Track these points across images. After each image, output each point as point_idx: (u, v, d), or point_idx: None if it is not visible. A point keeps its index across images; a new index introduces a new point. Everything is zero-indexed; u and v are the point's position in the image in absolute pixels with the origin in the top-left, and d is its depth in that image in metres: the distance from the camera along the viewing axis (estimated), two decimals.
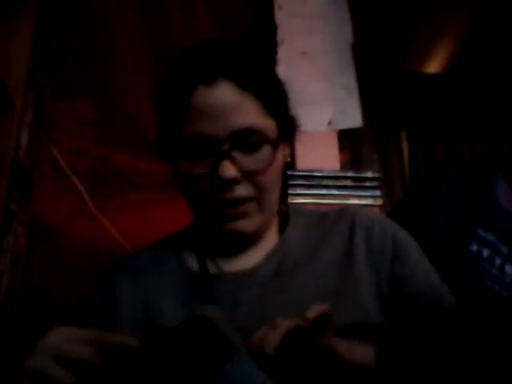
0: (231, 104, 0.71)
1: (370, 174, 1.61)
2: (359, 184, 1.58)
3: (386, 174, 1.95)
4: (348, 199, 1.56)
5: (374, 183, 1.59)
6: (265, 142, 0.73)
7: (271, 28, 1.81)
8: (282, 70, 1.73)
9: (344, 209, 0.83)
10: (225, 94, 0.72)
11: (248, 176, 0.72)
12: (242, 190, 0.72)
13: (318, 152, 1.62)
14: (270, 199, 0.76)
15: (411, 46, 1.99)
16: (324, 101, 1.71)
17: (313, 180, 1.55)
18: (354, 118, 1.69)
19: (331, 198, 1.56)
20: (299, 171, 1.57)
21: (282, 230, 0.82)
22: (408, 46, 1.99)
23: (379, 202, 1.58)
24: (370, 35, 1.95)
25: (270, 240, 0.80)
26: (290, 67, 1.74)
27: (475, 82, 2.03)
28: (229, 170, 0.70)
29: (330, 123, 1.69)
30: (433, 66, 1.98)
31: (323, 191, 1.55)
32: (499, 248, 1.12)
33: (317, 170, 1.57)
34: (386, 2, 1.91)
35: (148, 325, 0.73)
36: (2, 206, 1.42)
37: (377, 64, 2.02)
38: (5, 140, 1.47)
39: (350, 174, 1.61)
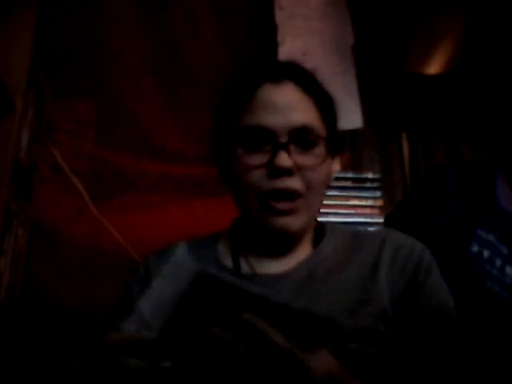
0: (293, 102, 0.78)
1: (370, 175, 1.62)
2: (360, 185, 1.59)
3: (387, 175, 1.95)
4: (348, 200, 1.56)
5: (375, 184, 1.59)
6: (318, 143, 0.78)
7: (271, 29, 1.82)
8: None
9: (378, 230, 0.89)
10: (288, 92, 0.79)
11: (301, 171, 0.76)
12: (294, 183, 0.76)
13: None
14: (316, 199, 0.80)
15: (411, 47, 1.99)
16: None
17: None
18: (354, 119, 1.69)
19: (332, 199, 1.56)
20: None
21: (316, 243, 0.85)
22: (408, 46, 1.99)
23: (379, 202, 1.58)
24: (371, 36, 1.95)
25: (304, 251, 0.83)
26: None
27: (475, 83, 2.03)
28: (285, 159, 0.74)
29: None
30: (433, 67, 1.98)
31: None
32: (500, 249, 1.12)
33: None
34: (386, 3, 1.91)
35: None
36: (3, 206, 1.42)
37: (377, 65, 2.02)
38: (5, 141, 1.47)
39: (350, 174, 1.61)
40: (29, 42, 1.57)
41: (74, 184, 1.72)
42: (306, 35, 1.81)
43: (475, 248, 1.11)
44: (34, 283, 1.60)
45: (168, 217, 1.71)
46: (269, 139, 0.76)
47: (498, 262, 1.11)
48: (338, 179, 1.58)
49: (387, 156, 2.03)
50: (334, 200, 1.56)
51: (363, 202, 1.57)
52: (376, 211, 1.60)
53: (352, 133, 1.83)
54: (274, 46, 1.79)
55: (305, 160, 0.77)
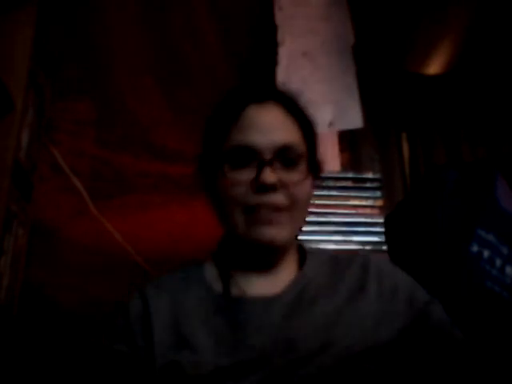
0: (277, 122, 0.83)
1: (370, 175, 1.61)
2: (360, 185, 1.58)
3: (387, 175, 1.95)
4: (348, 200, 1.56)
5: (375, 184, 1.59)
6: (300, 161, 0.82)
7: (272, 29, 1.82)
8: (282, 71, 1.73)
9: (354, 255, 0.90)
10: (272, 113, 0.84)
11: (284, 187, 0.80)
12: (279, 198, 0.80)
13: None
14: (300, 214, 0.84)
15: (411, 47, 1.99)
16: (324, 102, 1.71)
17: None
18: (354, 119, 1.69)
19: (332, 199, 1.56)
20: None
21: (301, 263, 0.88)
22: (408, 46, 1.99)
23: (379, 202, 1.58)
24: (371, 36, 1.95)
25: (290, 271, 0.86)
26: (290, 68, 1.74)
27: (475, 83, 2.03)
28: (270, 176, 0.78)
29: (330, 124, 1.69)
30: (433, 67, 1.98)
31: (324, 192, 1.55)
32: (499, 249, 1.13)
33: None
34: (387, 3, 1.91)
35: (179, 339, 0.78)
36: (3, 206, 1.42)
37: (377, 65, 2.02)
38: (5, 141, 1.47)
39: (350, 174, 1.61)
40: (29, 41, 1.57)
41: (74, 184, 1.72)
42: (306, 35, 1.81)
43: (475, 248, 1.11)
44: (34, 283, 1.60)
45: (168, 217, 1.71)
46: (254, 157, 0.80)
47: (498, 262, 1.11)
48: (338, 179, 1.57)
49: (387, 156, 2.04)
50: (334, 200, 1.55)
51: (363, 202, 1.56)
52: (376, 211, 1.60)
53: (352, 133, 1.83)
54: (274, 45, 1.78)
55: (288, 176, 0.81)
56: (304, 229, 1.50)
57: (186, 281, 0.87)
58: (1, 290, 1.44)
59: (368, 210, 1.56)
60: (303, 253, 0.90)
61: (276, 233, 0.80)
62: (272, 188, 0.78)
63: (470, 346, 0.80)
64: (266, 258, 0.84)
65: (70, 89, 1.83)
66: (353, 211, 1.55)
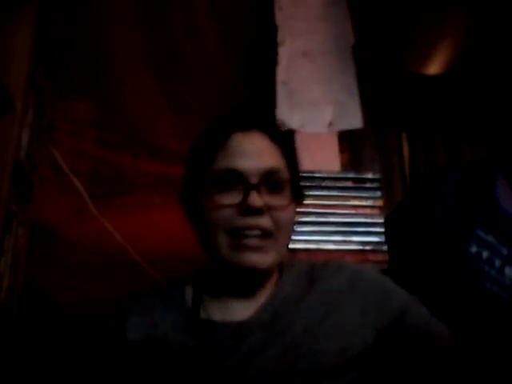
0: (262, 148, 0.85)
1: (370, 175, 1.61)
2: (360, 185, 1.58)
3: (387, 175, 1.95)
4: (348, 200, 1.56)
5: (375, 184, 1.59)
6: (285, 185, 0.85)
7: (271, 29, 1.81)
8: (282, 71, 1.73)
9: (329, 260, 0.92)
10: (257, 140, 0.86)
11: (270, 211, 0.82)
12: (265, 221, 0.81)
13: (318, 153, 1.62)
14: (283, 239, 0.85)
15: (411, 47, 1.99)
16: (324, 102, 1.71)
17: (313, 181, 1.55)
18: (354, 119, 1.69)
19: (332, 199, 1.56)
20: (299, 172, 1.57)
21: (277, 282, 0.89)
22: (408, 47, 1.99)
23: (379, 202, 1.57)
24: (371, 36, 1.95)
25: (268, 293, 0.86)
26: (290, 68, 1.74)
27: (475, 83, 2.03)
28: (257, 199, 0.80)
29: (330, 124, 1.69)
30: (433, 67, 1.98)
31: (324, 192, 1.55)
32: (499, 249, 1.12)
33: (317, 171, 1.57)
34: (387, 3, 1.91)
35: (152, 352, 0.81)
36: (3, 206, 1.42)
37: (377, 65, 2.02)
38: (5, 141, 1.47)
39: (350, 175, 1.60)
40: (29, 41, 1.57)
41: (73, 184, 1.72)
42: (305, 35, 1.81)
43: (474, 249, 1.11)
44: (34, 283, 1.60)
45: (168, 217, 1.71)
46: (240, 181, 0.82)
47: (498, 263, 1.11)
48: (337, 179, 1.57)
49: (387, 156, 2.03)
50: (334, 200, 1.55)
51: (363, 202, 1.56)
52: (376, 211, 1.59)
53: (352, 133, 1.83)
54: (273, 45, 1.78)
55: (273, 201, 0.82)
56: (304, 229, 1.50)
57: (166, 301, 0.88)
58: (1, 290, 1.44)
59: (368, 210, 1.56)
60: (283, 270, 0.90)
61: (260, 258, 0.81)
62: (258, 211, 0.80)
63: (452, 336, 0.81)
64: (248, 283, 0.85)
65: (70, 89, 1.83)
66: (353, 211, 1.55)
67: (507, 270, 1.10)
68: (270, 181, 0.83)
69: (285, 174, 0.85)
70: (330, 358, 0.76)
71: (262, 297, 0.85)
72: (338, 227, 1.53)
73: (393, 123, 2.11)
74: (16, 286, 1.55)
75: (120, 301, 0.91)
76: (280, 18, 1.82)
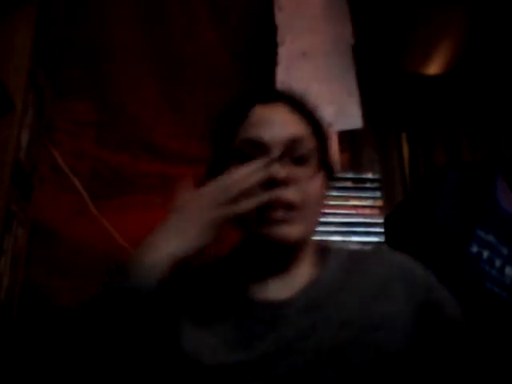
0: (284, 118, 0.83)
1: (370, 176, 1.61)
2: (359, 185, 1.58)
3: (387, 176, 1.95)
4: (348, 200, 1.56)
5: (375, 184, 1.59)
6: (310, 156, 0.81)
7: (271, 29, 1.81)
8: (282, 71, 1.73)
9: (375, 248, 0.91)
10: (279, 110, 0.84)
11: (295, 183, 0.78)
12: (290, 194, 0.78)
13: None
14: (312, 212, 0.81)
15: (411, 47, 1.99)
16: (324, 102, 1.70)
17: None
18: (354, 119, 1.69)
19: (331, 199, 1.56)
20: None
21: (319, 264, 0.85)
22: (408, 47, 1.99)
23: (379, 203, 1.58)
24: (371, 36, 1.95)
25: (306, 273, 0.83)
26: (290, 68, 1.74)
27: (475, 83, 2.03)
28: (279, 170, 0.77)
29: (330, 124, 1.69)
30: (433, 67, 1.98)
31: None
32: (499, 249, 1.13)
33: None
34: (386, 3, 1.90)
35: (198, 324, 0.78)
36: (3, 206, 1.42)
37: (377, 65, 2.02)
38: (5, 141, 1.47)
39: (350, 175, 1.61)
40: (29, 41, 1.57)
41: (73, 184, 1.72)
42: (306, 35, 1.81)
43: (475, 248, 1.11)
44: (34, 283, 1.60)
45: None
46: (263, 152, 0.79)
47: (498, 263, 1.11)
48: (337, 179, 1.57)
49: (387, 156, 2.03)
50: (334, 200, 1.56)
51: (363, 203, 1.56)
52: (376, 211, 1.60)
53: (352, 133, 1.83)
54: (274, 45, 1.78)
55: (298, 172, 0.79)
56: None
57: (213, 275, 0.86)
58: (0, 290, 1.44)
59: (368, 211, 1.56)
60: (322, 253, 0.87)
61: (288, 231, 0.78)
62: (283, 183, 0.77)
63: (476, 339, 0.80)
64: (280, 257, 0.82)
65: (70, 89, 1.83)
66: (352, 211, 1.56)
67: (507, 270, 1.11)
68: (294, 151, 0.80)
69: (310, 143, 0.82)
70: (376, 345, 0.73)
71: (301, 277, 0.82)
72: (337, 227, 1.53)
73: (393, 123, 2.11)
74: (16, 286, 1.55)
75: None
76: (280, 17, 1.82)
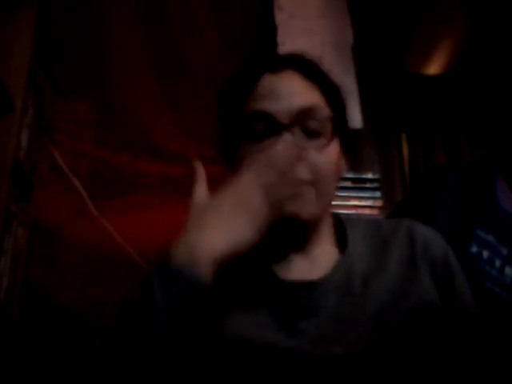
0: (294, 88, 0.76)
1: (370, 176, 1.62)
2: (359, 185, 1.59)
3: (386, 176, 1.95)
4: (348, 200, 1.56)
5: (374, 184, 1.59)
6: (324, 127, 0.74)
7: (271, 29, 1.82)
8: None
9: (399, 220, 0.84)
10: (289, 79, 0.77)
11: (306, 159, 0.72)
12: (300, 173, 0.72)
13: None
14: (326, 188, 0.76)
15: (411, 48, 1.99)
16: None
17: None
18: (354, 120, 1.69)
19: None
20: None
21: (340, 241, 0.80)
22: (408, 47, 1.99)
23: (379, 203, 1.58)
24: (370, 36, 1.95)
25: (329, 251, 0.79)
26: None
27: (475, 84, 2.03)
28: (288, 150, 0.70)
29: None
30: (433, 67, 1.98)
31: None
32: (499, 249, 1.12)
33: None
34: (386, 3, 1.90)
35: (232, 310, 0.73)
36: (2, 207, 1.42)
37: (377, 65, 2.02)
38: (5, 141, 1.47)
39: (350, 175, 1.61)
40: (29, 41, 1.57)
41: (73, 184, 1.72)
42: (305, 35, 1.81)
43: (475, 249, 1.11)
44: (34, 283, 1.60)
45: (168, 217, 1.71)
46: (273, 126, 0.73)
47: (498, 263, 1.11)
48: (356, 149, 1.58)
49: (387, 156, 2.03)
50: (334, 200, 1.56)
51: (363, 203, 1.57)
52: (376, 211, 1.60)
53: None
54: (273, 46, 1.78)
55: (311, 145, 0.73)
56: None
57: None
58: (0, 290, 1.44)
59: (368, 211, 1.56)
60: (341, 227, 0.82)
61: (300, 207, 0.72)
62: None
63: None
64: (296, 235, 0.77)
65: (70, 89, 1.83)
66: (353, 211, 1.56)
67: (507, 270, 1.10)
68: (306, 122, 0.73)
69: (324, 112, 0.75)
70: (412, 326, 0.69)
71: (324, 255, 0.77)
72: None
73: (392, 123, 2.11)
74: (16, 286, 1.55)
75: None
76: (280, 17, 1.82)
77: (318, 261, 0.77)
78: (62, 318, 1.54)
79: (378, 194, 1.59)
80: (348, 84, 1.74)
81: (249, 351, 0.68)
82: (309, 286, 0.73)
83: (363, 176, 1.61)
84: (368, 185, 1.59)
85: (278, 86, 0.76)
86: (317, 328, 0.69)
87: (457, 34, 1.90)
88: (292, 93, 0.75)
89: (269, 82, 0.77)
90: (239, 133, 0.76)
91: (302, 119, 0.73)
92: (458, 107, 2.09)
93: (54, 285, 1.60)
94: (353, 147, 0.83)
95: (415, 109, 2.11)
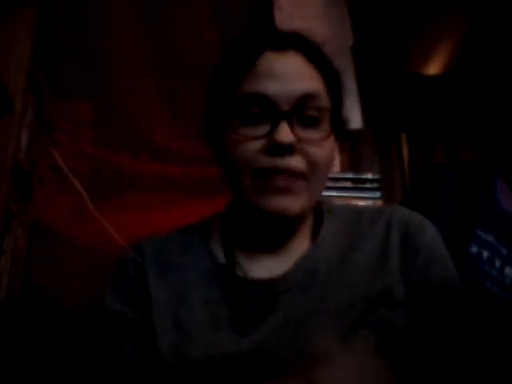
0: (296, 71, 0.71)
1: (369, 176, 1.62)
2: (359, 185, 1.59)
3: (386, 176, 1.95)
4: (348, 200, 1.56)
5: (374, 185, 1.60)
6: (323, 116, 0.70)
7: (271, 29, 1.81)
8: None
9: (382, 208, 0.80)
10: (292, 61, 0.72)
11: (303, 149, 0.69)
12: (296, 162, 0.68)
13: None
14: (319, 181, 0.72)
15: (411, 48, 1.99)
16: None
17: None
18: (353, 120, 1.69)
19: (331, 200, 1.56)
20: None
21: (315, 235, 0.77)
22: (408, 47, 1.99)
23: (379, 203, 1.58)
24: (370, 37, 1.95)
25: (302, 244, 0.75)
26: None
27: (475, 84, 2.03)
28: (287, 133, 0.67)
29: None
30: (433, 68, 1.98)
31: (323, 192, 1.56)
32: (499, 249, 1.12)
33: None
34: (386, 4, 1.91)
35: (178, 306, 0.72)
36: (2, 207, 1.42)
37: (376, 65, 2.02)
38: (5, 141, 1.47)
39: (350, 175, 1.61)
40: (29, 41, 1.57)
41: (73, 184, 1.72)
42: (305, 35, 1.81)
43: (474, 249, 1.11)
44: (34, 283, 1.60)
45: (168, 217, 1.71)
46: (268, 110, 0.68)
47: (498, 263, 1.11)
48: (337, 180, 1.58)
49: (387, 157, 2.04)
50: (334, 200, 1.56)
51: (363, 203, 1.57)
52: None
53: (351, 134, 1.83)
54: None
55: (308, 134, 0.69)
56: None
57: (189, 244, 0.77)
58: (0, 290, 1.44)
59: None
60: (320, 219, 0.77)
61: (289, 202, 0.68)
62: (288, 150, 0.67)
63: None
64: (276, 231, 0.73)
65: (70, 89, 1.83)
66: None
67: (507, 270, 1.10)
68: (305, 109, 0.69)
69: (324, 101, 0.71)
70: (380, 323, 0.66)
71: (297, 250, 0.74)
72: None
73: (392, 124, 2.11)
74: (16, 286, 1.55)
75: (136, 245, 0.79)
76: (280, 18, 1.82)
77: (285, 256, 0.73)
78: (62, 318, 1.54)
79: (377, 194, 1.59)
80: (348, 85, 1.74)
81: (197, 350, 0.67)
82: (266, 285, 0.71)
83: (363, 176, 1.61)
84: (368, 185, 1.59)
85: (279, 67, 0.70)
86: (268, 330, 0.67)
87: (457, 34, 1.90)
88: (294, 76, 0.70)
89: (270, 61, 0.71)
90: (231, 113, 0.70)
91: (302, 106, 0.69)
92: (458, 107, 2.10)
93: (53, 285, 1.60)
94: (346, 140, 0.80)
95: (415, 109, 2.11)
